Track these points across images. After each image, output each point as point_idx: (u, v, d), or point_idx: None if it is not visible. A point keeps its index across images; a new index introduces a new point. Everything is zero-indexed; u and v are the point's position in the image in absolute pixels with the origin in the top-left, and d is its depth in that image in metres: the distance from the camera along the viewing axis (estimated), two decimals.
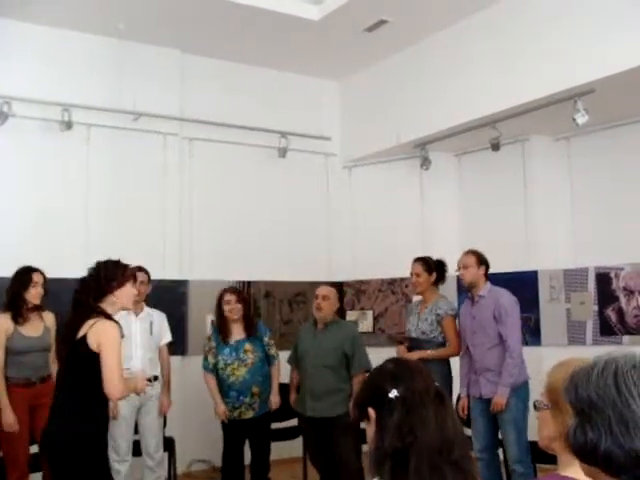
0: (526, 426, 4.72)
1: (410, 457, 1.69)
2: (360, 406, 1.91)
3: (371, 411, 1.84)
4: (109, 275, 3.59)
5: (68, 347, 3.48)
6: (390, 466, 1.71)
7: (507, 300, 4.94)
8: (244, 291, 6.59)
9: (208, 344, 5.31)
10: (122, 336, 3.50)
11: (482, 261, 5.07)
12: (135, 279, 3.86)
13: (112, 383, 3.34)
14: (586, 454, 1.28)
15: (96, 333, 3.39)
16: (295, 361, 5.40)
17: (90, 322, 3.42)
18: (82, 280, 3.64)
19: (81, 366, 3.43)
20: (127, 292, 3.66)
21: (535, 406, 2.16)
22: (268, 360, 5.36)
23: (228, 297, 5.25)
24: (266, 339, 5.39)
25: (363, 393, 1.96)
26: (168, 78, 6.79)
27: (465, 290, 5.33)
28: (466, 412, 5.02)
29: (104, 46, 6.44)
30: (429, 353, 5.20)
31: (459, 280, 6.85)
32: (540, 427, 2.14)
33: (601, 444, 1.23)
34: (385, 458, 1.73)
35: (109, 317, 3.51)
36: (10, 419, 4.67)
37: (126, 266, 3.70)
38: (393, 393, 1.80)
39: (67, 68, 6.27)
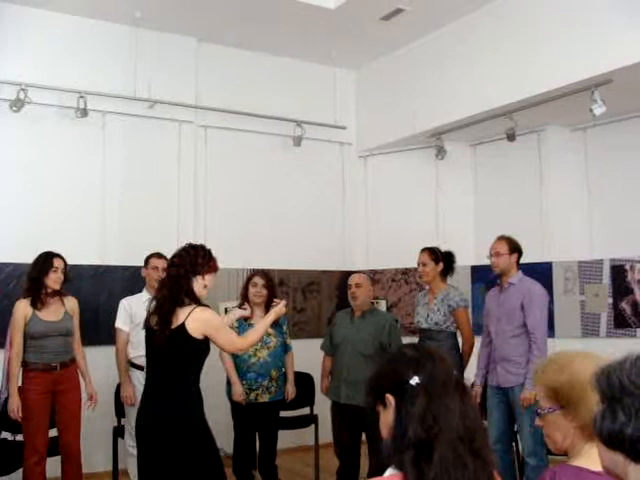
0: None
1: (434, 448, 1.63)
2: (377, 392, 1.83)
3: (390, 397, 1.77)
4: (205, 259, 3.71)
5: (164, 330, 3.52)
6: (412, 456, 1.64)
7: (537, 292, 4.86)
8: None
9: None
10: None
11: (514, 248, 4.97)
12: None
13: (233, 342, 3.73)
14: (613, 438, 1.30)
15: (197, 321, 3.50)
16: (330, 348, 5.37)
17: (186, 310, 3.52)
18: (178, 255, 3.70)
19: (183, 352, 3.53)
20: (211, 281, 3.76)
21: (538, 414, 2.05)
22: (284, 348, 5.36)
23: (256, 280, 5.24)
24: (284, 327, 5.39)
25: (381, 378, 1.86)
26: (184, 66, 6.80)
27: (493, 277, 5.20)
28: (479, 400, 4.95)
29: (120, 34, 6.45)
30: None
31: (473, 270, 6.89)
32: (551, 432, 2.04)
33: (629, 428, 1.26)
34: (407, 448, 1.66)
35: (199, 302, 3.61)
36: (14, 406, 4.68)
37: (214, 256, 3.79)
38: (414, 380, 1.72)
39: (83, 55, 6.29)
